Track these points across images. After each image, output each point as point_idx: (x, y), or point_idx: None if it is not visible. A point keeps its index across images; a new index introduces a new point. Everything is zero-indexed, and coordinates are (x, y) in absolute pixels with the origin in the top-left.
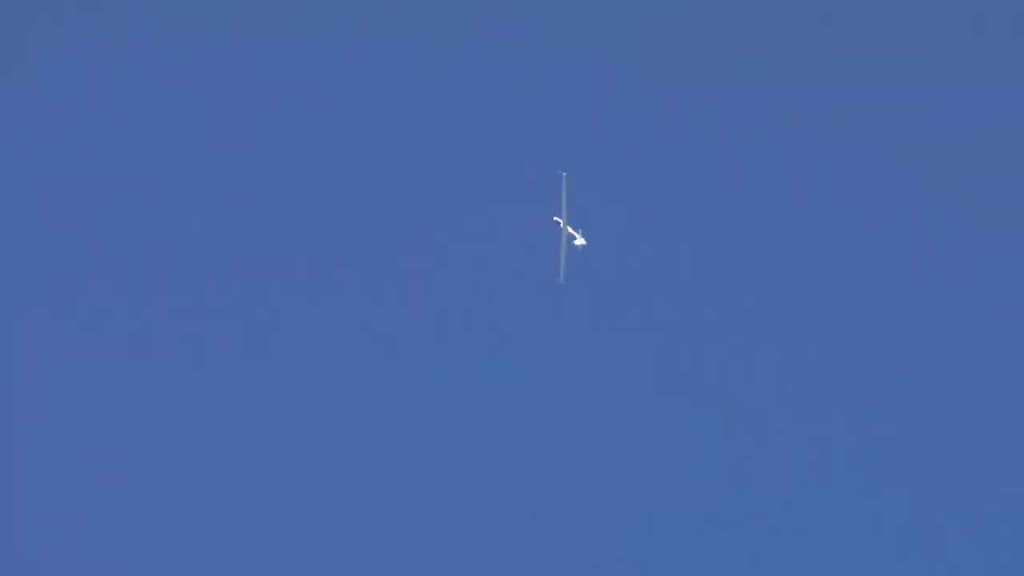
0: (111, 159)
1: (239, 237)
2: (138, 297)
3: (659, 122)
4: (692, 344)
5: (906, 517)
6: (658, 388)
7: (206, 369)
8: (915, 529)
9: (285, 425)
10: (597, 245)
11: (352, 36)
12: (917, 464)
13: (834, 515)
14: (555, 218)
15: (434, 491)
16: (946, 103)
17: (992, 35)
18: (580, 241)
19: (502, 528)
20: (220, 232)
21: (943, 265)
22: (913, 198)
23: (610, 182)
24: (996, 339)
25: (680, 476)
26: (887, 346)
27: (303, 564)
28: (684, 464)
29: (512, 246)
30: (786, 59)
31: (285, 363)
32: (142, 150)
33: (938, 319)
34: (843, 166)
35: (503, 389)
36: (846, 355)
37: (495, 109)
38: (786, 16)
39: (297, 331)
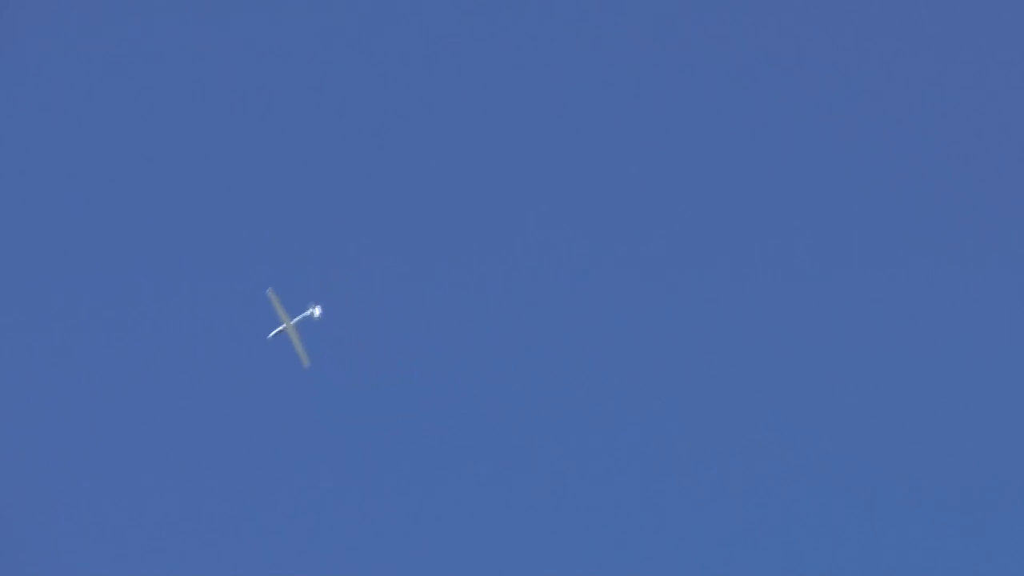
0: (109, 158)
1: (238, 236)
2: (137, 297)
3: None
4: (687, 348)
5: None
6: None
7: (205, 368)
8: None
9: (285, 424)
10: (597, 246)
11: (350, 34)
12: (914, 468)
13: (831, 520)
14: (272, 334)
15: (431, 492)
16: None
17: None
18: (316, 312)
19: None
20: (219, 231)
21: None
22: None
23: (610, 174)
24: (995, 340)
25: (678, 478)
26: (884, 347)
27: (303, 564)
28: (681, 468)
29: (514, 245)
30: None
31: (284, 363)
32: (142, 150)
33: (939, 321)
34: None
35: (499, 388)
36: (844, 360)
37: (491, 107)
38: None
39: (295, 329)
